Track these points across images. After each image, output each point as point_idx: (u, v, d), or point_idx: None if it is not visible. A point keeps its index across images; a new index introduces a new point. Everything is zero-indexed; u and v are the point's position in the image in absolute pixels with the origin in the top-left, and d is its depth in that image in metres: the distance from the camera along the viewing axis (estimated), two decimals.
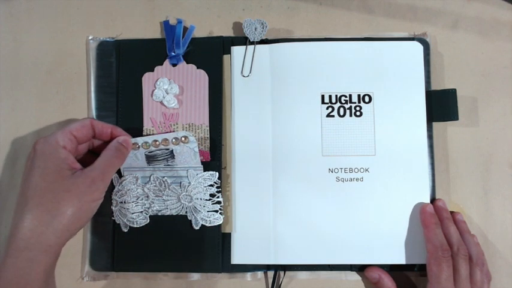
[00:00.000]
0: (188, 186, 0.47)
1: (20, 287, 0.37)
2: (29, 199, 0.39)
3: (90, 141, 0.45)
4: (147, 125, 0.48)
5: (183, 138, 0.46)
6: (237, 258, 0.47)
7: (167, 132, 0.47)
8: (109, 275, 0.48)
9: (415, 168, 0.47)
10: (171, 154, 0.46)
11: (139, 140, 0.46)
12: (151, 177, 0.47)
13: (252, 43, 0.49)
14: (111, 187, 0.47)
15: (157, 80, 0.48)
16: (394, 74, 0.48)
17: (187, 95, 0.49)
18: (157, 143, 0.46)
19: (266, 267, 0.48)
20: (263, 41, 0.50)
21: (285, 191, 0.47)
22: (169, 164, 0.47)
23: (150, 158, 0.47)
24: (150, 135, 0.48)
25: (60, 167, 0.40)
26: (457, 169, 0.49)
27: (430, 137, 0.48)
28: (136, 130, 0.48)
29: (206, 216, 0.47)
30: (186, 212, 0.47)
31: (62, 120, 0.50)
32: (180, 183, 0.47)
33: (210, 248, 0.47)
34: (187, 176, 0.47)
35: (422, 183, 0.47)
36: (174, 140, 0.46)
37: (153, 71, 0.49)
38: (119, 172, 0.47)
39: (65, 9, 0.51)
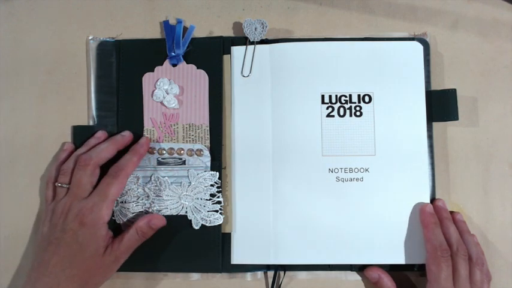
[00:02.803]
0: (188, 186, 0.47)
1: None
2: (65, 269, 0.40)
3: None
4: (147, 125, 0.48)
5: (197, 151, 0.46)
6: (237, 258, 0.47)
7: (185, 143, 0.47)
8: None
9: (415, 168, 0.47)
10: (183, 164, 0.47)
11: (157, 146, 0.47)
12: (152, 177, 0.47)
13: (252, 43, 0.49)
14: None
15: (158, 80, 0.48)
16: (394, 74, 0.48)
17: (188, 95, 0.49)
18: (173, 151, 0.47)
19: (266, 267, 0.48)
20: (263, 41, 0.50)
21: (285, 191, 0.47)
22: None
23: (161, 164, 0.47)
24: (168, 142, 0.48)
25: (99, 245, 0.42)
26: (457, 169, 0.49)
27: (430, 137, 0.48)
28: (136, 130, 0.48)
29: (206, 216, 0.47)
30: (186, 212, 0.47)
31: (62, 120, 0.50)
32: (181, 183, 0.47)
33: (210, 248, 0.47)
34: (188, 176, 0.47)
35: (422, 183, 0.47)
36: (188, 151, 0.46)
37: (153, 71, 0.49)
38: None
39: (65, 9, 0.51)
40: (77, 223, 0.41)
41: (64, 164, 0.45)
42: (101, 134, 0.48)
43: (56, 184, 0.44)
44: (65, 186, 0.44)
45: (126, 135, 0.47)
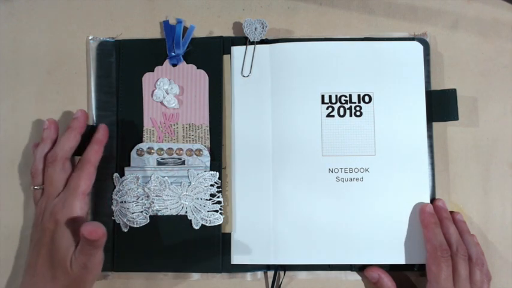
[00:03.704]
0: (188, 186, 0.47)
1: None
2: (49, 269, 0.40)
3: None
4: (147, 125, 0.48)
5: (197, 151, 0.46)
6: (237, 258, 0.47)
7: (184, 143, 0.47)
8: (109, 275, 0.48)
9: (415, 168, 0.47)
10: (182, 164, 0.47)
11: (155, 146, 0.47)
12: (152, 176, 0.47)
13: (252, 43, 0.49)
14: (112, 187, 0.47)
15: (158, 80, 0.48)
16: (394, 74, 0.48)
17: (188, 95, 0.49)
18: (172, 151, 0.47)
19: (266, 267, 0.48)
20: (263, 41, 0.50)
21: (285, 191, 0.47)
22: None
23: (160, 164, 0.47)
24: (157, 142, 0.48)
25: (69, 244, 0.40)
26: (457, 169, 0.49)
27: (430, 137, 0.48)
28: (136, 130, 0.48)
29: (206, 216, 0.47)
30: (186, 212, 0.47)
31: (62, 120, 0.50)
32: (181, 183, 0.47)
33: (210, 248, 0.47)
34: (188, 176, 0.47)
35: (422, 183, 0.47)
36: (188, 151, 0.46)
37: (153, 71, 0.49)
38: (120, 171, 0.47)
39: (65, 9, 0.51)
40: (52, 222, 0.41)
41: (32, 166, 0.44)
42: (48, 124, 0.46)
43: (31, 187, 0.44)
44: (38, 187, 0.44)
45: (79, 115, 0.45)
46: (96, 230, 0.38)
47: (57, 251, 0.40)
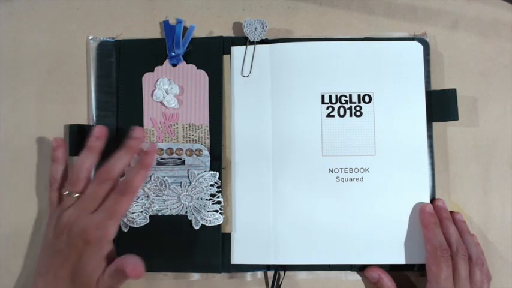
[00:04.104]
0: (189, 186, 0.47)
1: None
2: (71, 283, 0.40)
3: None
4: (147, 125, 0.48)
5: (197, 151, 0.46)
6: (237, 258, 0.47)
7: (184, 143, 0.47)
8: None
9: (415, 168, 0.47)
10: (182, 164, 0.47)
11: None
12: (152, 177, 0.47)
13: (252, 43, 0.49)
14: None
15: (158, 80, 0.48)
16: (394, 74, 0.48)
17: (188, 95, 0.49)
18: (172, 151, 0.47)
19: (266, 267, 0.48)
20: (263, 41, 0.50)
21: (285, 191, 0.47)
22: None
23: (160, 164, 0.47)
24: (159, 142, 0.48)
25: (98, 267, 0.40)
26: (457, 169, 0.49)
27: (430, 137, 0.48)
28: None
29: (206, 216, 0.47)
30: (186, 212, 0.47)
31: (62, 120, 0.50)
32: (181, 183, 0.47)
33: (210, 248, 0.47)
34: (188, 176, 0.47)
35: (422, 183, 0.47)
36: (188, 151, 0.46)
37: (153, 71, 0.49)
38: None
39: (65, 9, 0.51)
40: (82, 241, 0.39)
41: (75, 173, 0.42)
42: (99, 133, 0.44)
43: (64, 192, 0.42)
44: (75, 196, 0.42)
45: (139, 136, 0.43)
46: (139, 269, 0.38)
47: (83, 269, 0.39)
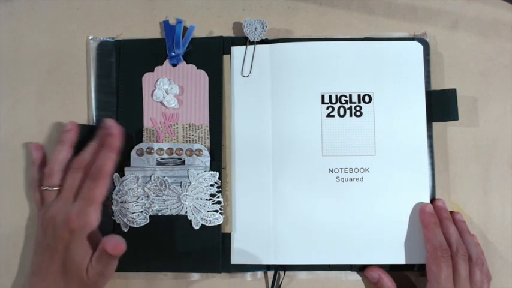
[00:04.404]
0: (189, 186, 0.47)
1: None
2: (63, 275, 0.40)
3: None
4: (147, 125, 0.48)
5: (197, 151, 0.46)
6: (236, 258, 0.47)
7: (184, 143, 0.47)
8: None
9: (415, 168, 0.47)
10: (182, 164, 0.47)
11: (155, 146, 0.47)
12: (152, 176, 0.47)
13: (252, 43, 0.49)
14: (112, 187, 0.47)
15: (158, 80, 0.48)
16: (394, 74, 0.48)
17: (188, 95, 0.49)
18: (172, 151, 0.47)
19: (266, 267, 0.48)
20: (263, 41, 0.50)
21: (285, 191, 0.47)
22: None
23: (160, 164, 0.47)
24: (160, 142, 0.48)
25: (86, 254, 0.41)
26: (457, 169, 0.49)
27: (430, 137, 0.48)
28: (136, 130, 0.48)
29: (206, 216, 0.47)
30: (186, 212, 0.47)
31: (62, 120, 0.50)
32: (181, 183, 0.47)
33: (210, 247, 0.47)
34: (188, 176, 0.47)
35: (422, 183, 0.47)
36: (188, 151, 0.46)
37: (153, 71, 0.49)
38: (120, 171, 0.47)
39: (65, 9, 0.51)
40: (67, 231, 0.40)
41: (50, 167, 0.44)
42: (70, 126, 0.46)
43: (43, 188, 0.43)
44: (51, 189, 0.43)
45: (110, 125, 0.44)
46: (118, 245, 0.39)
47: (72, 259, 0.40)
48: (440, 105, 0.48)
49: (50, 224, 0.41)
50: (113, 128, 0.44)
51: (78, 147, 0.47)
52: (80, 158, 0.44)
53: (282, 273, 0.48)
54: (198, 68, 0.49)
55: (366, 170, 0.48)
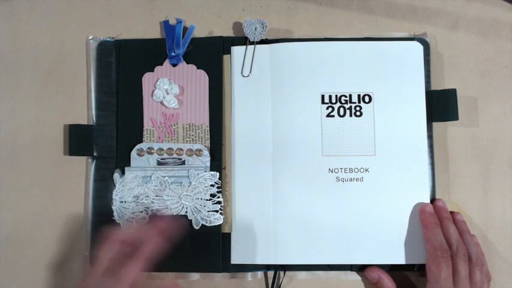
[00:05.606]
0: (189, 186, 0.47)
1: None
2: None
3: None
4: (147, 125, 0.48)
5: (197, 151, 0.46)
6: (236, 258, 0.47)
7: (184, 143, 0.47)
8: None
9: (415, 168, 0.47)
10: (182, 164, 0.47)
11: (155, 146, 0.47)
12: (152, 176, 0.47)
13: (252, 43, 0.49)
14: (112, 187, 0.47)
15: (158, 80, 0.48)
16: (394, 74, 0.48)
17: (188, 95, 0.49)
18: (172, 151, 0.47)
19: (266, 267, 0.48)
20: (263, 41, 0.50)
21: (285, 191, 0.47)
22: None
23: (161, 164, 0.47)
24: (159, 142, 0.48)
25: None
26: (457, 169, 0.49)
27: (430, 137, 0.48)
28: (136, 130, 0.48)
29: (206, 216, 0.47)
30: (186, 212, 0.47)
31: (62, 120, 0.50)
32: (181, 183, 0.47)
33: (210, 248, 0.47)
34: (188, 176, 0.47)
35: (422, 183, 0.47)
36: (188, 151, 0.46)
37: (153, 71, 0.49)
38: (122, 171, 0.47)
39: (65, 9, 0.51)
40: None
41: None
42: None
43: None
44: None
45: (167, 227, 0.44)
46: None
47: None
48: (440, 105, 0.48)
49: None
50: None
51: (79, 147, 0.47)
52: (125, 232, 0.43)
53: (282, 273, 0.48)
54: (198, 68, 0.49)
55: (366, 170, 0.48)
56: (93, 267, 0.41)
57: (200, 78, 0.49)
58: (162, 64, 0.49)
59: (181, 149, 0.47)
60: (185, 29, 0.50)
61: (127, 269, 0.40)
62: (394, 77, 0.48)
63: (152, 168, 0.47)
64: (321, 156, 0.48)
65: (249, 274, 0.48)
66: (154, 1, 0.51)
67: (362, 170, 0.48)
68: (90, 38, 0.50)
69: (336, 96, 0.48)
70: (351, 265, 0.48)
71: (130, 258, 0.40)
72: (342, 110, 0.48)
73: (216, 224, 0.47)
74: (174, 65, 0.49)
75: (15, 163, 0.49)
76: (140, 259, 0.40)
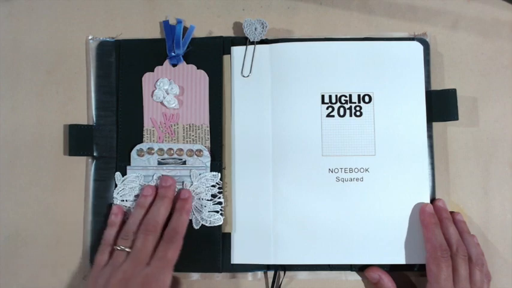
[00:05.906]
0: (190, 186, 0.47)
1: None
2: None
3: None
4: (147, 125, 0.48)
5: (197, 152, 0.46)
6: (237, 258, 0.47)
7: (184, 143, 0.47)
8: None
9: (415, 168, 0.47)
10: (183, 164, 0.47)
11: (156, 146, 0.47)
12: (154, 176, 0.47)
13: (252, 43, 0.49)
14: (112, 187, 0.47)
15: (158, 80, 0.48)
16: (394, 74, 0.48)
17: (188, 95, 0.49)
18: (172, 151, 0.47)
19: (266, 267, 0.48)
20: (263, 41, 0.50)
21: (285, 191, 0.47)
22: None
23: (161, 164, 0.47)
24: (159, 142, 0.48)
25: None
26: (457, 169, 0.49)
27: (430, 137, 0.48)
28: (136, 130, 0.48)
29: (207, 217, 0.47)
30: None
31: (62, 120, 0.50)
32: (183, 182, 0.47)
33: (210, 247, 0.47)
34: (190, 176, 0.47)
35: (422, 183, 0.47)
36: (188, 152, 0.46)
37: (153, 71, 0.49)
38: (122, 171, 0.47)
39: (65, 9, 0.51)
40: None
41: (126, 228, 0.44)
42: (149, 191, 0.46)
43: (116, 247, 0.43)
44: (127, 250, 0.43)
45: (170, 184, 0.46)
46: None
47: None
48: (440, 105, 0.49)
49: (121, 283, 0.40)
50: (186, 193, 0.46)
51: (79, 147, 0.47)
52: (153, 220, 0.44)
53: (282, 273, 0.48)
54: (198, 68, 0.49)
55: (366, 170, 0.48)
56: (130, 257, 0.42)
57: (200, 79, 0.49)
58: (162, 64, 0.49)
59: (181, 150, 0.47)
60: (185, 29, 0.50)
61: (169, 251, 0.42)
62: (394, 77, 0.48)
63: (154, 167, 0.47)
64: (321, 156, 0.48)
65: (249, 274, 0.48)
66: (154, 1, 0.51)
67: (362, 170, 0.48)
68: (90, 38, 0.50)
69: (336, 96, 0.48)
70: (351, 265, 0.48)
71: (169, 242, 0.43)
72: (342, 110, 0.48)
73: (216, 225, 0.47)
74: (174, 65, 0.49)
75: (15, 163, 0.49)
76: (176, 239, 0.43)
